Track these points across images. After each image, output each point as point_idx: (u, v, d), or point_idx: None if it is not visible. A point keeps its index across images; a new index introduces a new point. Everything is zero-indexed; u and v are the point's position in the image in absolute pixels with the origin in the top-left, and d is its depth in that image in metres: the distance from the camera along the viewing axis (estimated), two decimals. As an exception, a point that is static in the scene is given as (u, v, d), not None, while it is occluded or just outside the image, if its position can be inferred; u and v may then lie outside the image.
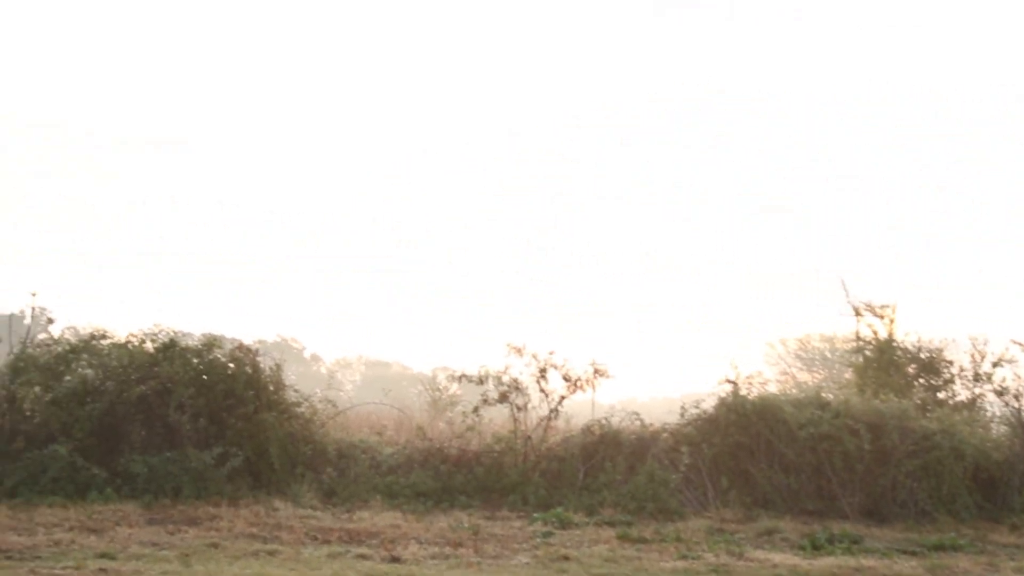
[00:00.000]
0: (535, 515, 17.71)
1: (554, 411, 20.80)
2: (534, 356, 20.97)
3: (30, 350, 19.86)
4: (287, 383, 20.67)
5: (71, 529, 14.81)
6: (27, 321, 20.53)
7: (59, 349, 19.97)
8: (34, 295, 20.84)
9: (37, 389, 19.48)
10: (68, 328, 23.72)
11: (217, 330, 21.17)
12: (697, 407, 20.76)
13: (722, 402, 20.49)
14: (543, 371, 20.90)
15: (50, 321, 23.62)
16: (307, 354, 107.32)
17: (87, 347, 20.01)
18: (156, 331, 20.43)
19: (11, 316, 21.51)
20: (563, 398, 20.89)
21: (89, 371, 19.81)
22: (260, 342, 21.21)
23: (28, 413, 19.40)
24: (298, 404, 20.49)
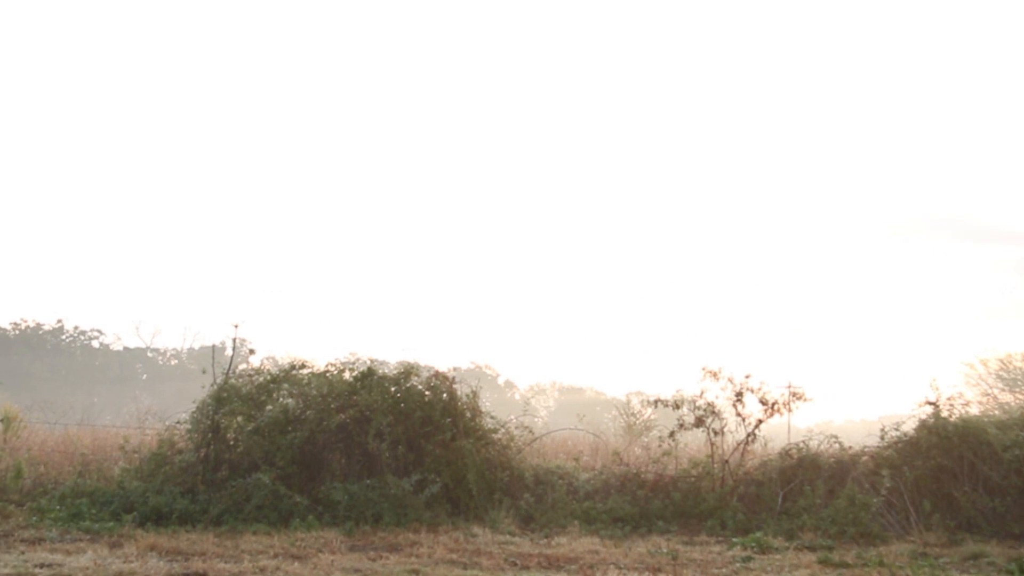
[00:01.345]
0: (734, 540, 17.42)
1: (751, 435, 20.51)
2: (730, 380, 20.71)
3: (233, 380, 20.33)
4: (483, 410, 20.75)
5: (275, 556, 15.03)
6: (228, 352, 20.93)
7: (260, 379, 20.38)
8: (236, 327, 21.24)
9: (240, 419, 19.93)
10: (267, 358, 24.31)
11: (412, 358, 21.41)
12: (897, 429, 20.26)
13: (923, 424, 19.96)
14: (739, 395, 20.62)
15: (251, 352, 24.15)
16: (501, 381, 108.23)
17: (287, 377, 20.39)
18: (353, 360, 20.75)
19: (213, 347, 21.96)
20: (760, 422, 20.59)
21: (290, 400, 20.19)
22: (455, 369, 21.33)
23: (232, 442, 19.86)
24: (495, 431, 20.55)
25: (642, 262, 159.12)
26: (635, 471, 20.42)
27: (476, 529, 17.69)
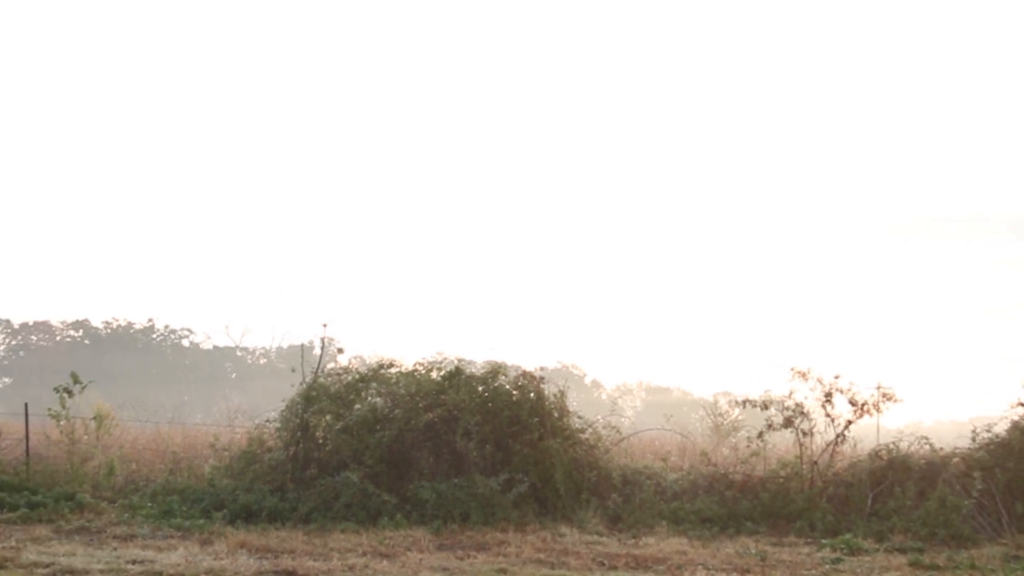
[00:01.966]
0: (823, 541, 17.25)
1: (840, 436, 20.29)
2: (819, 380, 20.51)
3: (322, 379, 20.47)
4: (570, 409, 20.72)
5: (364, 554, 15.13)
6: (316, 351, 21.10)
7: (349, 378, 20.50)
8: (324, 326, 21.42)
9: (329, 417, 20.09)
10: (355, 357, 24.45)
11: (498, 357, 21.43)
12: (988, 431, 19.95)
13: (1015, 426, 19.64)
14: (828, 395, 20.39)
15: (339, 351, 24.32)
16: (588, 380, 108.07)
17: (376, 376, 20.50)
18: (440, 359, 20.83)
19: (303, 347, 22.16)
20: (849, 423, 20.35)
21: (378, 400, 20.30)
22: (542, 369, 21.30)
23: (321, 441, 20.02)
24: (582, 430, 20.49)
25: (730, 261, 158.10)
26: (723, 471, 20.29)
27: (564, 529, 17.68)
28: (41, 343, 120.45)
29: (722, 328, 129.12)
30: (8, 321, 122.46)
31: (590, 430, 20.69)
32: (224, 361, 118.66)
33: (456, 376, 20.17)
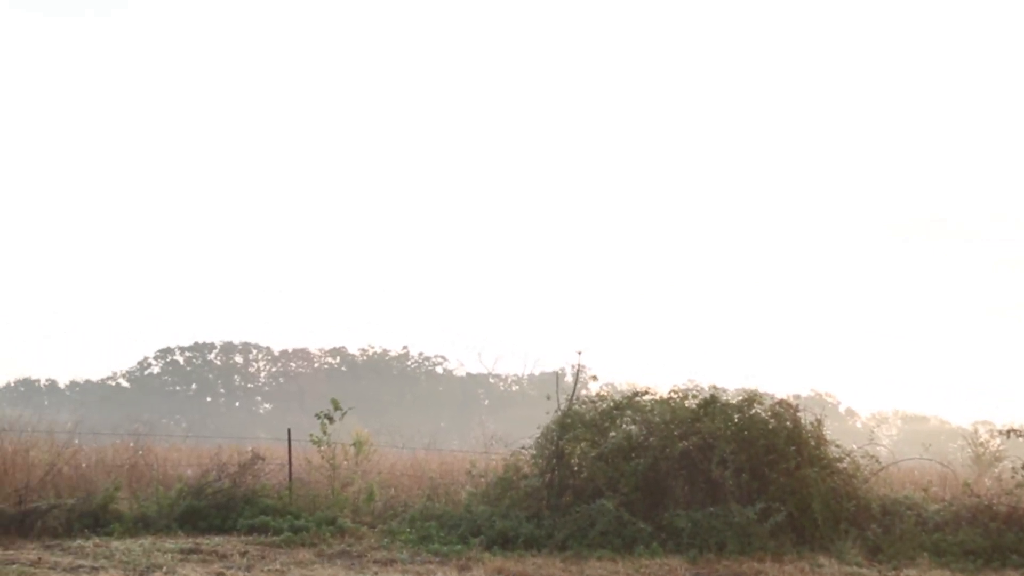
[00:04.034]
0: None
1: (1114, 466, 19.48)
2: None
3: (576, 407, 20.63)
4: (828, 438, 20.39)
5: (621, 582, 15.20)
6: (569, 378, 21.29)
7: (604, 406, 20.59)
8: (579, 353, 21.59)
9: (584, 445, 20.21)
10: (606, 385, 24.49)
11: (751, 385, 21.23)
12: None
13: None
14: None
15: (592, 378, 24.40)
16: (842, 408, 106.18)
17: (630, 403, 20.53)
18: (693, 387, 20.75)
19: (557, 375, 22.36)
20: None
21: (633, 427, 20.32)
22: (796, 397, 21.04)
23: (576, 468, 20.15)
24: (839, 459, 20.11)
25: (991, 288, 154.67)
26: (987, 503, 19.62)
27: (822, 559, 17.40)
28: (300, 370, 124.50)
29: (978, 355, 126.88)
30: (269, 348, 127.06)
31: (848, 459, 20.28)
32: (477, 388, 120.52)
33: (711, 404, 20.05)
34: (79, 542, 18.09)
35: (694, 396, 20.43)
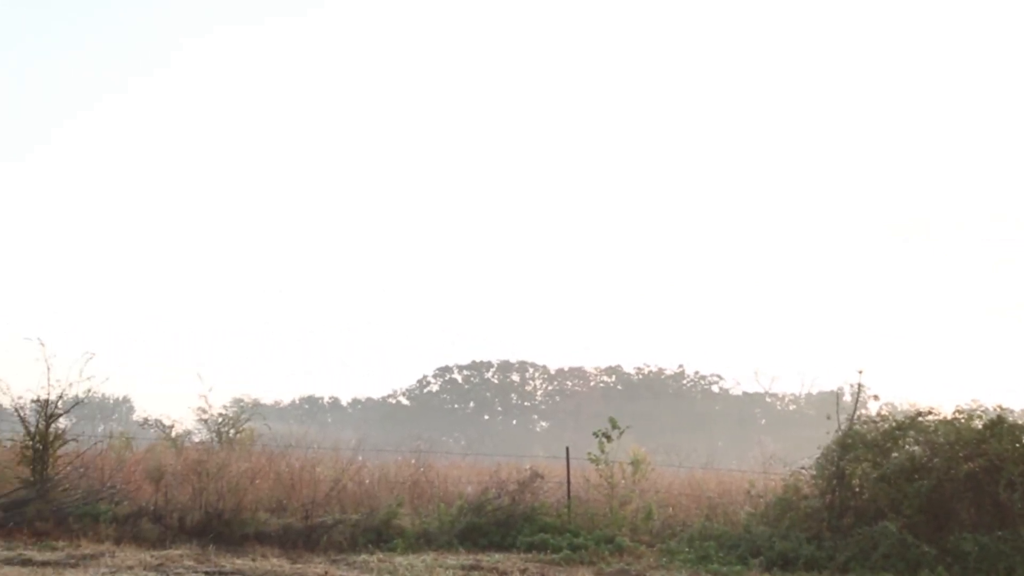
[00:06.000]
0: None
1: None
2: None
3: (857, 427, 20.31)
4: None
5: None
6: (846, 398, 20.97)
7: (885, 426, 20.23)
8: (860, 372, 21.25)
9: (865, 465, 19.88)
10: (885, 404, 23.98)
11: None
12: None
13: None
14: None
15: (874, 398, 23.96)
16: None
17: (913, 424, 20.07)
18: (978, 407, 20.17)
19: (837, 394, 22.07)
20: None
21: (916, 448, 19.89)
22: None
23: (857, 489, 19.83)
24: None
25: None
26: None
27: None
28: (576, 388, 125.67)
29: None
30: (545, 367, 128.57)
31: None
32: (753, 407, 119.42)
33: (998, 425, 19.41)
34: (363, 557, 18.74)
35: (979, 417, 19.84)
